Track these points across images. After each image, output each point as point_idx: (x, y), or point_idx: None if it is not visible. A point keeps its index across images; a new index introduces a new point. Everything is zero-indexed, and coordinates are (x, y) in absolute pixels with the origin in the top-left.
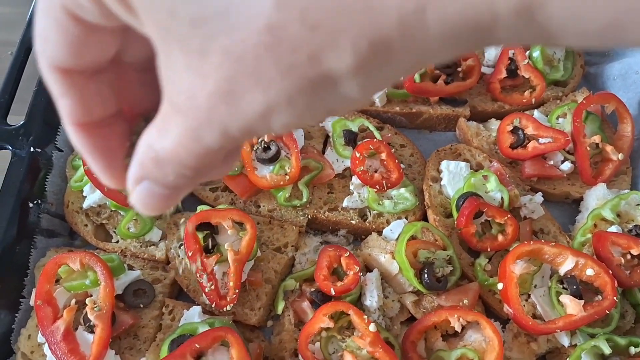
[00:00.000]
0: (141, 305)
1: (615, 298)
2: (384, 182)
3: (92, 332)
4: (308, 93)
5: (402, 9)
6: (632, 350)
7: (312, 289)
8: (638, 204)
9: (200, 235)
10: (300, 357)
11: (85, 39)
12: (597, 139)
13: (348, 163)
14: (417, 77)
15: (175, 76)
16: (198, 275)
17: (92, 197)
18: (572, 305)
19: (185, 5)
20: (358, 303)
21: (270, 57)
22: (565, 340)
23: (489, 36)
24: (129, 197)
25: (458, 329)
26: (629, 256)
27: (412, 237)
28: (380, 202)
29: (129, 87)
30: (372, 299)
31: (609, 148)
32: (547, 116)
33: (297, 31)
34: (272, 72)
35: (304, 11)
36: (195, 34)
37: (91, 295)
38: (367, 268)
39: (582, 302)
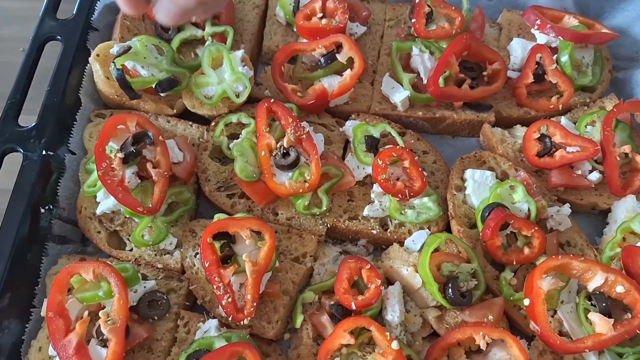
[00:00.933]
0: (156, 317)
1: None
2: (406, 190)
3: (105, 346)
4: None
5: None
6: None
7: (332, 302)
8: None
9: (217, 245)
10: None
11: None
12: (627, 148)
13: (369, 170)
14: (441, 81)
15: None
16: (215, 287)
17: (106, 202)
18: (601, 324)
19: None
20: (379, 317)
21: None
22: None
23: None
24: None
25: (483, 347)
26: None
27: (435, 249)
28: (403, 211)
29: None
30: (393, 314)
31: (639, 158)
32: (574, 123)
33: None
34: None
35: None
36: None
37: (104, 307)
38: (388, 280)
39: (612, 320)
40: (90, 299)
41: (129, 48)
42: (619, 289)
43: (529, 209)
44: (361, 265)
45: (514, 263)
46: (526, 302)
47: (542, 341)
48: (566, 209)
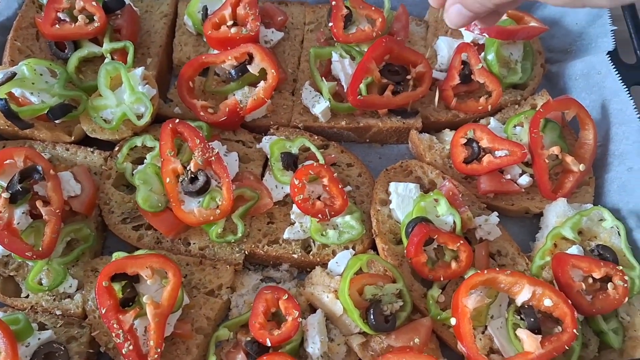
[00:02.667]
0: None
1: (575, 331)
2: (327, 210)
3: None
4: None
5: None
6: None
7: (248, 339)
8: (601, 220)
9: (118, 287)
10: None
11: None
12: (556, 150)
13: (289, 189)
14: (362, 88)
15: None
16: (114, 334)
17: None
18: (529, 342)
19: None
20: (301, 349)
21: None
22: None
23: None
24: (444, 15)
25: None
26: (590, 280)
27: (359, 271)
28: (324, 232)
29: None
30: (314, 345)
31: (569, 159)
32: (504, 124)
33: None
34: None
35: None
36: None
37: None
38: (312, 307)
39: (540, 337)
40: None
41: (14, 74)
42: (547, 302)
43: (454, 221)
44: (278, 296)
45: (442, 279)
46: (453, 321)
47: None
48: (494, 218)
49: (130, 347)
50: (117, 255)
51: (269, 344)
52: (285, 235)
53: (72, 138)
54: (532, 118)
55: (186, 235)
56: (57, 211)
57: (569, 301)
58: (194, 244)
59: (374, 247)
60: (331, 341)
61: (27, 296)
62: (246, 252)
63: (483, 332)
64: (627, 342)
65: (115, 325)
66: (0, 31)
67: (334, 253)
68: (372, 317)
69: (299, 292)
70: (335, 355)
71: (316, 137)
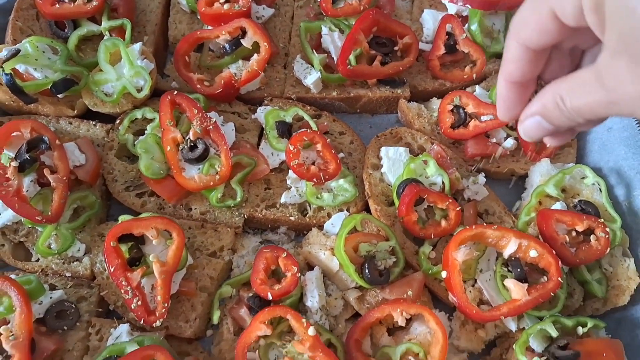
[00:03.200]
0: (65, 328)
1: (559, 279)
2: (321, 174)
3: None
4: None
5: None
6: (580, 330)
7: (250, 295)
8: (583, 177)
9: (125, 248)
10: None
11: (553, 32)
12: None
13: (284, 156)
14: (352, 59)
15: (613, 68)
16: (123, 291)
17: (5, 214)
18: (516, 290)
19: None
20: (300, 304)
21: None
22: (512, 325)
23: None
24: (518, 126)
25: (402, 323)
26: (574, 233)
27: (354, 230)
28: (319, 195)
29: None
30: (313, 299)
31: None
32: (488, 92)
33: None
34: None
35: None
36: None
37: (9, 322)
38: (310, 266)
39: (526, 285)
40: None
41: (18, 51)
42: (533, 253)
43: (442, 182)
44: (277, 254)
45: (432, 237)
46: (444, 274)
47: (461, 312)
48: (481, 178)
49: (139, 303)
50: (124, 217)
51: (270, 298)
52: (282, 200)
53: (75, 112)
54: None
55: (187, 201)
56: (64, 178)
57: (554, 251)
58: (195, 209)
59: (367, 210)
60: (328, 296)
61: (37, 260)
62: (245, 216)
63: (473, 285)
64: (610, 291)
65: (123, 283)
66: (2, 12)
67: (329, 215)
68: (367, 271)
69: (297, 252)
70: (333, 309)
71: (309, 108)
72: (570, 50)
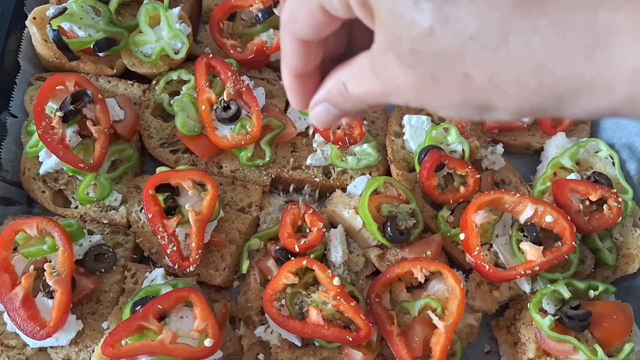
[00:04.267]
0: (102, 270)
1: (574, 243)
2: (346, 138)
3: (51, 297)
4: (471, 108)
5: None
6: (592, 293)
7: (277, 247)
8: (596, 151)
9: (161, 198)
10: (266, 314)
11: (325, 24)
12: None
13: (310, 121)
14: None
15: (384, 61)
16: (159, 237)
17: (49, 162)
18: (531, 252)
19: (408, 41)
20: (323, 259)
21: (460, 88)
22: (526, 287)
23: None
24: (309, 113)
25: (421, 279)
26: (587, 202)
27: (376, 192)
28: (344, 158)
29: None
30: (336, 254)
31: None
32: None
33: (484, 85)
34: (455, 93)
35: (493, 76)
36: (411, 55)
37: (50, 261)
38: (332, 225)
39: (542, 248)
40: (35, 253)
41: (65, 9)
42: (548, 218)
43: (463, 149)
44: (304, 211)
45: (451, 202)
46: (462, 236)
47: (477, 271)
48: (499, 148)
49: (174, 248)
50: (161, 169)
51: (297, 251)
52: (308, 162)
53: (114, 71)
54: None
55: (218, 159)
56: (106, 130)
57: (568, 217)
58: (225, 167)
59: (388, 175)
60: (350, 253)
61: (76, 207)
62: (273, 176)
63: (489, 250)
64: (620, 259)
65: (160, 229)
66: None
67: (352, 178)
68: (388, 229)
69: (321, 212)
70: (354, 265)
71: None
72: (350, 27)
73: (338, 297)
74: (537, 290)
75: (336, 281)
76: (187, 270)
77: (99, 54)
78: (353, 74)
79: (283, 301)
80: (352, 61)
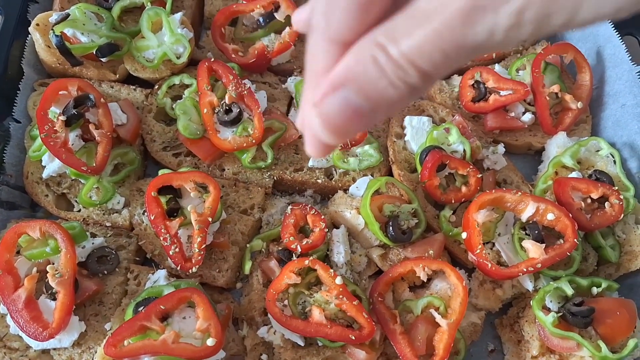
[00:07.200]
0: (105, 272)
1: (575, 240)
2: (347, 140)
3: (54, 299)
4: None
5: None
6: (594, 290)
7: (279, 248)
8: (597, 150)
9: (163, 200)
10: (269, 315)
11: None
12: (555, 88)
13: None
14: None
15: None
16: (162, 239)
17: (52, 166)
18: (533, 249)
19: None
20: (326, 260)
21: None
22: (529, 285)
23: None
24: (314, 115)
25: (424, 278)
26: (589, 200)
27: (378, 192)
28: (345, 160)
29: None
30: (339, 255)
31: (568, 97)
32: (507, 69)
33: None
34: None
35: None
36: None
37: (53, 263)
38: (335, 225)
39: (544, 245)
40: (37, 255)
41: (67, 15)
42: (550, 216)
43: (464, 149)
44: (306, 212)
45: (453, 202)
46: (464, 235)
47: (479, 269)
48: (500, 148)
49: (177, 250)
50: (163, 171)
51: (299, 251)
52: (310, 164)
53: (117, 76)
54: (534, 60)
55: (221, 162)
56: (108, 133)
57: (570, 214)
58: (227, 169)
59: (390, 176)
60: (353, 253)
61: (79, 210)
62: (275, 178)
63: (491, 249)
64: (623, 257)
65: (163, 230)
66: None
67: (354, 180)
68: (390, 229)
69: (323, 213)
70: (357, 265)
71: None
72: None
73: (340, 296)
74: (540, 287)
75: (339, 280)
76: (190, 271)
77: (101, 59)
78: (397, 24)
79: (286, 301)
80: (393, 17)
